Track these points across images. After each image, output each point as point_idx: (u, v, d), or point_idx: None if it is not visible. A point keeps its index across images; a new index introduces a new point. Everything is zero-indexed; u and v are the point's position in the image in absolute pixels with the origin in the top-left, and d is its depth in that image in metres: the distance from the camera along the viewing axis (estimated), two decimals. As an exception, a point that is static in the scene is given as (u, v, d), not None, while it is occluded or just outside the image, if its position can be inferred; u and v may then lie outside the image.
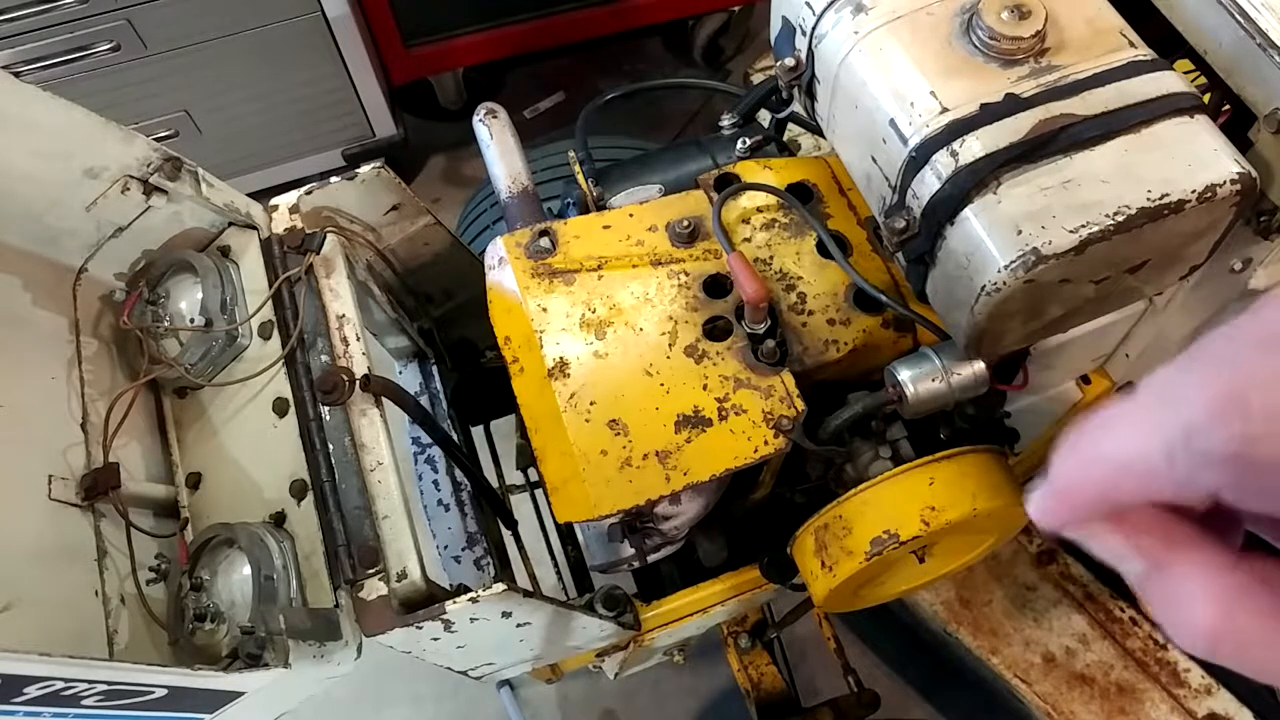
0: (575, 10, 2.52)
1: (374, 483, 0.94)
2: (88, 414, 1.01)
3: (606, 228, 1.05)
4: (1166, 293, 1.07)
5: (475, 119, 1.17)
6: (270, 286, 1.05)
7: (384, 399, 1.00)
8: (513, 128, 1.16)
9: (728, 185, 1.07)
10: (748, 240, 1.06)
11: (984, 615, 1.69)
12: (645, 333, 0.98)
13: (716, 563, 1.16)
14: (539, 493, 1.41)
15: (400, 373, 1.39)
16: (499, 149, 1.14)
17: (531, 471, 1.42)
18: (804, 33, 0.94)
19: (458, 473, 1.31)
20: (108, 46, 2.12)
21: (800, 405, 0.95)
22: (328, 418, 0.97)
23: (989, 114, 0.81)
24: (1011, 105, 0.81)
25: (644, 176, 1.16)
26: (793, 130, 1.28)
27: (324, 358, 1.00)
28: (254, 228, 1.10)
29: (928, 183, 0.82)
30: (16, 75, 0.91)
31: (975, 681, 1.77)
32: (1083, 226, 0.76)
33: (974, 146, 0.80)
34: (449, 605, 0.87)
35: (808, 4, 0.93)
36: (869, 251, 1.06)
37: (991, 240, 0.79)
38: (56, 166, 0.97)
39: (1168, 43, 0.90)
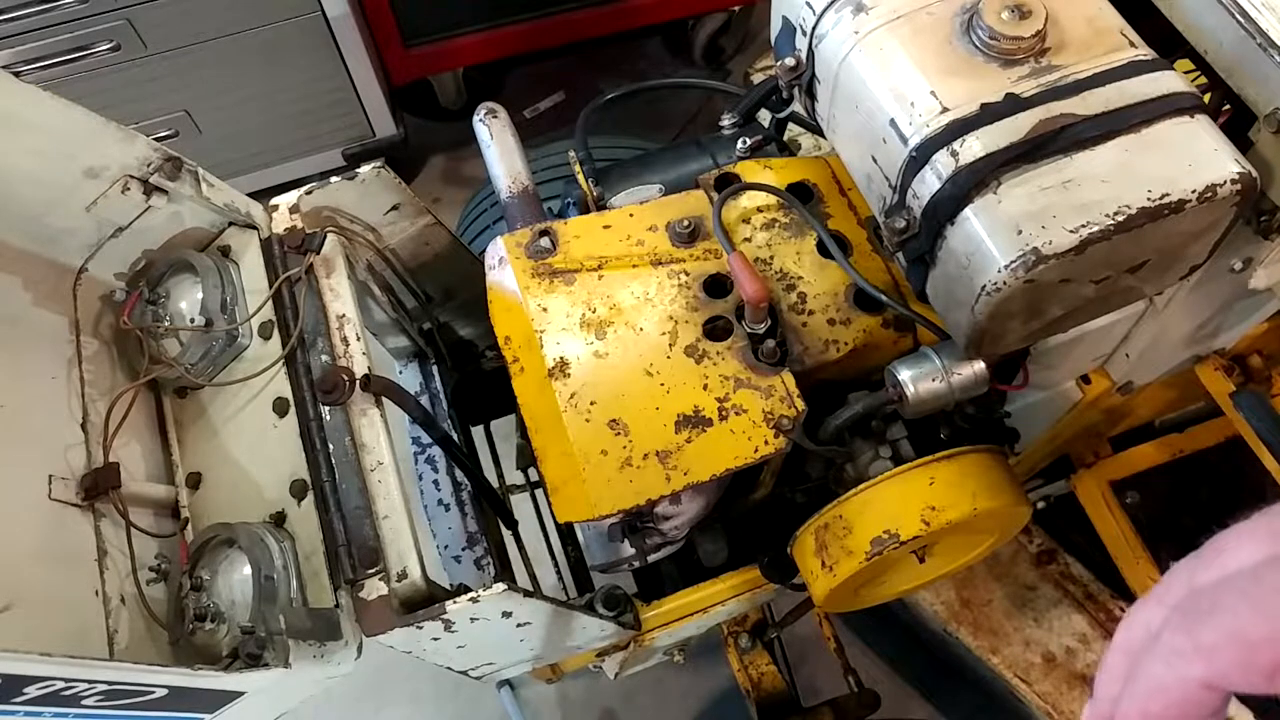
0: (575, 10, 2.51)
1: (374, 483, 0.94)
2: (88, 414, 1.01)
3: (607, 228, 1.05)
4: (1166, 293, 1.07)
5: (475, 119, 1.16)
6: (270, 286, 1.05)
7: (384, 399, 1.00)
8: (513, 128, 1.16)
9: (728, 185, 1.07)
10: (748, 240, 1.06)
11: (984, 615, 1.69)
12: (645, 333, 0.98)
13: (716, 563, 1.16)
14: (539, 493, 1.41)
15: (400, 373, 1.39)
16: (499, 149, 1.14)
17: (531, 471, 1.42)
18: (804, 33, 0.94)
19: (458, 473, 1.31)
20: (108, 46, 2.12)
21: (800, 405, 0.95)
22: (328, 418, 0.97)
23: (989, 114, 0.81)
24: (1011, 105, 0.81)
25: (644, 176, 1.16)
26: (793, 130, 1.28)
27: (324, 358, 1.00)
28: (254, 228, 1.10)
29: (928, 183, 0.82)
30: (16, 75, 0.91)
31: (975, 681, 1.77)
32: (1083, 226, 0.76)
33: (974, 146, 0.80)
34: (449, 605, 0.87)
35: (808, 4, 0.93)
36: (869, 251, 1.06)
37: (991, 240, 0.78)
38: (56, 166, 0.97)
39: (1168, 43, 0.90)
